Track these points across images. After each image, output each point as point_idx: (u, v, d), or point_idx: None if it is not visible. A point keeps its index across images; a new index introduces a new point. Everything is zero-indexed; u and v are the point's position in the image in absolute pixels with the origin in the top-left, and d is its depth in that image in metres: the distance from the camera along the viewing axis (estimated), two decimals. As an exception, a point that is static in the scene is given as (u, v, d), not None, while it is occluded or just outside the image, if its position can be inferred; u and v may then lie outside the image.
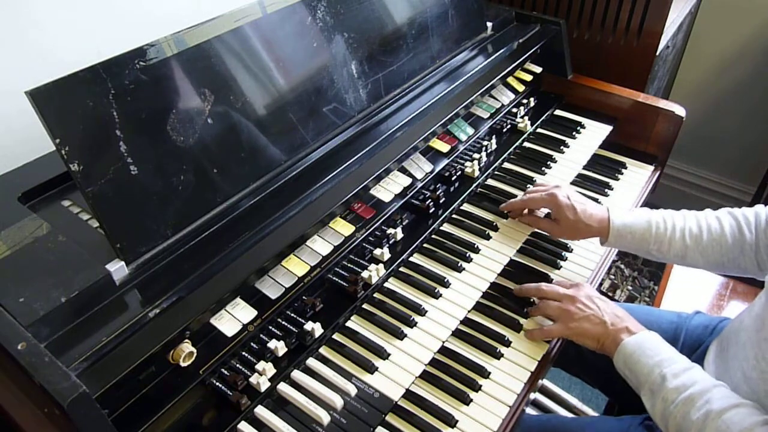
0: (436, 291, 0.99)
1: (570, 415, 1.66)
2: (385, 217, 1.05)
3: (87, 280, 0.73)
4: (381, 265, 0.99)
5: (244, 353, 0.83)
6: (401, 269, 1.05)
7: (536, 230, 1.17)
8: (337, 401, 0.81)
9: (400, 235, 1.06)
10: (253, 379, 0.80)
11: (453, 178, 1.19)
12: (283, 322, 0.88)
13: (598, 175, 1.38)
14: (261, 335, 0.86)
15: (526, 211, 1.17)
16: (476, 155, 1.26)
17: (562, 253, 1.15)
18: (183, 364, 0.76)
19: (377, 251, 1.02)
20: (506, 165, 1.32)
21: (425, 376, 0.90)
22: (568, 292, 0.98)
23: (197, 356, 0.77)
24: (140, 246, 0.78)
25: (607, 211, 1.08)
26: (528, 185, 1.26)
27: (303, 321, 0.88)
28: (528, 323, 0.99)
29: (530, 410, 1.63)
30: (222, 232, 0.85)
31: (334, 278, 0.96)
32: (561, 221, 1.10)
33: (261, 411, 0.80)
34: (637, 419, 1.03)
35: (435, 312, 0.97)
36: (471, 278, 1.04)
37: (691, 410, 0.78)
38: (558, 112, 1.51)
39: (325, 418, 0.79)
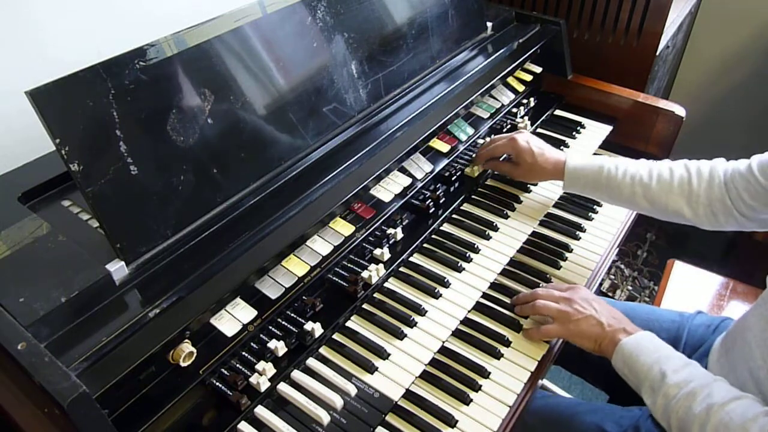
0: (436, 291, 0.99)
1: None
2: (385, 217, 1.05)
3: (87, 280, 0.73)
4: (381, 265, 0.99)
5: (244, 353, 0.83)
6: (401, 269, 1.04)
7: (536, 230, 1.18)
8: (337, 401, 0.81)
9: (400, 235, 1.06)
10: (253, 379, 0.80)
11: (453, 178, 1.18)
12: (283, 322, 0.88)
13: (598, 175, 1.38)
14: (261, 335, 0.86)
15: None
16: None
17: (563, 254, 1.15)
18: (183, 364, 0.76)
19: (377, 251, 1.02)
20: (506, 165, 1.32)
21: (425, 376, 0.89)
22: (564, 294, 0.98)
23: (197, 356, 0.77)
24: (140, 246, 0.78)
25: (564, 156, 1.15)
26: (528, 185, 1.26)
27: (303, 321, 0.88)
28: (528, 323, 0.99)
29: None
30: (222, 232, 0.85)
31: (334, 278, 0.96)
32: (520, 164, 1.18)
33: (261, 411, 0.80)
34: (646, 411, 1.03)
35: (435, 312, 0.97)
36: (471, 278, 1.04)
37: (693, 404, 0.78)
38: (558, 112, 1.51)
39: (325, 418, 0.79)
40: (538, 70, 1.48)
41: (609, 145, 1.46)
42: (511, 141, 1.17)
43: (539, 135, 1.42)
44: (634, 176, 1.07)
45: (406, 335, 0.92)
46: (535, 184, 1.27)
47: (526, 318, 1.00)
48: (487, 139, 1.28)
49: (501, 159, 1.23)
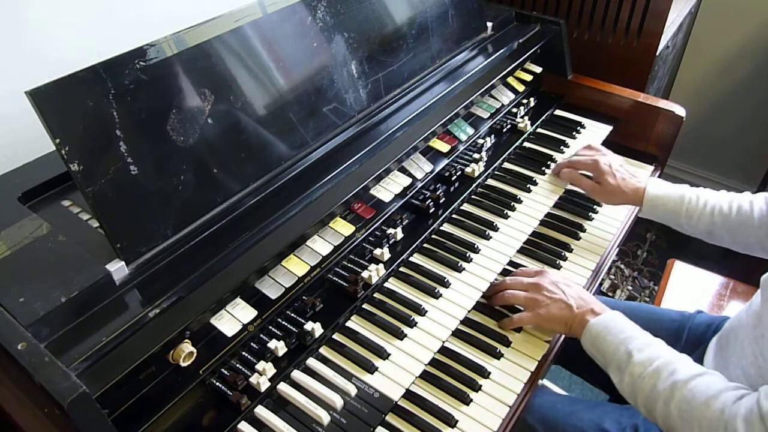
0: (436, 291, 0.99)
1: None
2: (385, 217, 1.05)
3: (87, 280, 0.73)
4: (381, 265, 0.99)
5: (244, 353, 0.83)
6: (401, 269, 1.04)
7: (536, 229, 1.18)
8: (337, 401, 0.81)
9: (400, 235, 1.06)
10: (253, 379, 0.80)
11: (453, 178, 1.19)
12: (283, 322, 0.88)
13: (598, 175, 1.38)
14: (261, 335, 0.86)
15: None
16: (476, 155, 1.26)
17: (563, 253, 1.15)
18: (183, 364, 0.76)
19: (377, 251, 1.02)
20: (506, 165, 1.32)
21: (425, 376, 0.89)
22: (532, 280, 0.99)
23: (197, 356, 0.77)
24: (140, 246, 0.78)
25: (644, 182, 1.15)
26: (528, 185, 1.26)
27: (303, 321, 0.88)
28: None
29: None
30: (222, 232, 0.85)
31: (334, 278, 0.96)
32: (602, 185, 1.18)
33: (261, 411, 0.80)
34: None
35: (435, 312, 0.97)
36: (471, 278, 1.04)
37: (657, 382, 0.80)
38: (558, 112, 1.51)
39: (325, 418, 0.79)
40: (538, 70, 1.48)
41: (609, 145, 1.45)
42: (594, 162, 1.19)
43: (540, 135, 1.43)
44: (714, 207, 1.06)
45: (406, 335, 0.92)
46: (536, 183, 1.27)
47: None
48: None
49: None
